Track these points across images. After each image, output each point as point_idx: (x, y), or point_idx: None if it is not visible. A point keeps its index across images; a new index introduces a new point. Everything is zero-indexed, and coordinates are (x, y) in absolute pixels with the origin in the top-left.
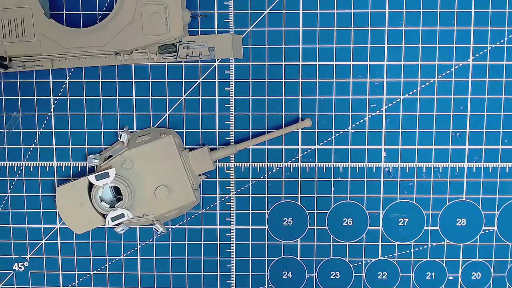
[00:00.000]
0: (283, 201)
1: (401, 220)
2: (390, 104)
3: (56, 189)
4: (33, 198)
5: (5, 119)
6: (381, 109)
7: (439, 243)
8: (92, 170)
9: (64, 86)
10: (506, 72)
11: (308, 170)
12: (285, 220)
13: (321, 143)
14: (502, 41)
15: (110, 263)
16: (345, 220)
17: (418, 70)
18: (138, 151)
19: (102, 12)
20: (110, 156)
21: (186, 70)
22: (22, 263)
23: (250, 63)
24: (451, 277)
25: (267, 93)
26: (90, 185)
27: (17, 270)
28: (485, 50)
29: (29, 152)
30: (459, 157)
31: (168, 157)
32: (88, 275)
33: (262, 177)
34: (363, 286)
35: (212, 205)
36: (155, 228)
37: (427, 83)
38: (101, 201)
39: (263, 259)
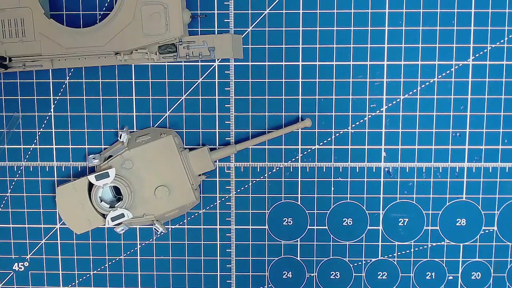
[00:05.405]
0: (283, 201)
1: (401, 220)
2: (390, 104)
3: (56, 189)
4: (33, 198)
5: (5, 119)
6: (381, 109)
7: (439, 243)
8: (92, 170)
9: (64, 86)
10: (506, 72)
11: (308, 170)
12: (285, 220)
13: (321, 143)
14: (502, 41)
15: (110, 263)
16: (345, 220)
17: (418, 70)
18: (138, 151)
19: (102, 12)
20: (110, 156)
21: (186, 70)
22: (22, 263)
23: (250, 63)
24: (451, 277)
25: (267, 93)
26: (90, 185)
27: (17, 270)
28: (485, 50)
29: (29, 152)
30: (459, 157)
31: (168, 157)
32: (88, 275)
33: (262, 177)
34: (363, 286)
35: (212, 205)
36: (155, 228)
37: (427, 83)
38: (101, 201)
39: (263, 259)
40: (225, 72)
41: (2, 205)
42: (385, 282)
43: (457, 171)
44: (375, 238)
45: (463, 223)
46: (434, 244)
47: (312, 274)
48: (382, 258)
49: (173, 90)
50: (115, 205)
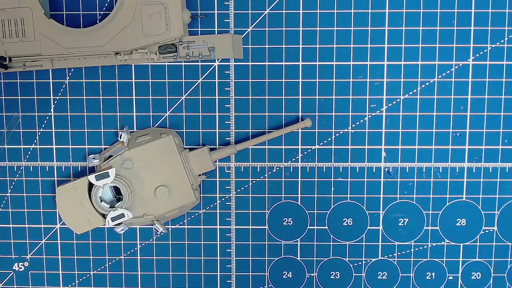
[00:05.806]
0: (283, 201)
1: (401, 220)
2: (390, 104)
3: (56, 189)
4: (33, 198)
5: (5, 119)
6: (381, 109)
7: (439, 243)
8: (92, 170)
9: (64, 86)
10: (506, 72)
11: (308, 170)
12: (285, 220)
13: (321, 143)
14: (502, 41)
15: (110, 263)
16: (345, 220)
17: (418, 70)
18: (138, 151)
19: (102, 12)
20: (110, 156)
21: (186, 70)
22: (22, 263)
23: (250, 63)
24: (451, 277)
25: (267, 93)
26: (90, 185)
27: (17, 270)
28: (485, 50)
29: (29, 152)
30: (459, 157)
31: (168, 157)
32: (88, 275)
33: (262, 177)
34: (363, 286)
35: (212, 205)
36: (155, 228)
37: (427, 83)
38: (101, 201)
39: (263, 259)
40: (225, 72)
41: (2, 205)
42: (385, 282)
43: (457, 171)
44: (375, 238)
45: (463, 223)
46: (434, 244)
47: (312, 274)
48: (382, 258)
49: (173, 90)
50: (115, 205)
